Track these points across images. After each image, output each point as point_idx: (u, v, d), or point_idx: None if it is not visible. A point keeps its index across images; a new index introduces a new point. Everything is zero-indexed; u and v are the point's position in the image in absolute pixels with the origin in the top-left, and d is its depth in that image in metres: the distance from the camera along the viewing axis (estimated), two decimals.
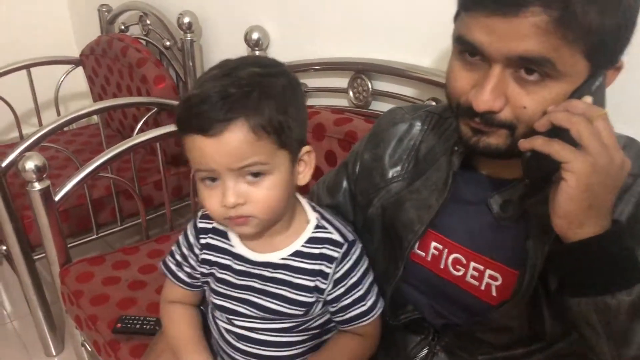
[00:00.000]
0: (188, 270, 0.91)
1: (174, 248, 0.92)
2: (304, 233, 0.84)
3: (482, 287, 0.81)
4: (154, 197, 1.97)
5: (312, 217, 0.85)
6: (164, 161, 1.77)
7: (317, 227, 0.84)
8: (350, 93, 1.49)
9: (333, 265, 0.82)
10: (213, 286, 0.87)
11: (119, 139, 2.13)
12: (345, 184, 1.03)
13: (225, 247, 0.86)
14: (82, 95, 2.61)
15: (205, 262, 0.87)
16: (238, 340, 0.88)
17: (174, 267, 0.92)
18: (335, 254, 0.82)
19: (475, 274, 0.82)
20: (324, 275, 0.82)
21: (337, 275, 0.82)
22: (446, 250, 0.85)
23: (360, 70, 1.42)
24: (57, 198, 1.45)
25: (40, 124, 2.38)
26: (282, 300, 0.83)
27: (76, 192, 1.57)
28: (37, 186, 1.40)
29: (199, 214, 0.90)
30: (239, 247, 0.85)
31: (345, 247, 0.83)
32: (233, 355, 0.89)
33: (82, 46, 2.33)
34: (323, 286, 0.82)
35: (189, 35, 1.88)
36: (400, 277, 0.89)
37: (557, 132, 0.64)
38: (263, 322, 0.85)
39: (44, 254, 1.54)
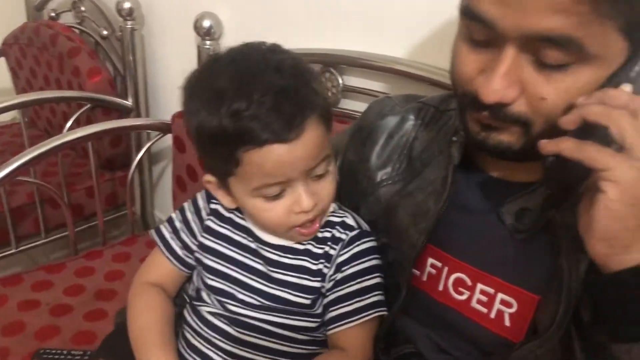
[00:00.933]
0: (185, 239, 0.84)
1: (174, 215, 0.86)
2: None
3: (492, 315, 0.71)
4: (85, 205, 1.84)
5: (332, 204, 0.81)
6: (97, 165, 1.65)
7: (334, 212, 0.81)
8: None
9: (338, 247, 0.77)
10: (209, 263, 0.81)
11: (46, 139, 1.97)
12: None
13: (238, 222, 0.81)
14: (4, 91, 2.46)
15: (208, 231, 0.82)
16: (231, 325, 0.79)
17: (168, 235, 0.85)
18: (343, 236, 0.78)
19: (484, 298, 0.72)
20: (327, 257, 0.77)
21: (341, 259, 0.77)
22: (446, 268, 0.75)
23: (329, 64, 1.32)
24: None
25: None
26: (289, 287, 0.77)
27: None
28: None
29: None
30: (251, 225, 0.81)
31: (356, 232, 0.79)
32: (217, 345, 0.80)
33: (5, 34, 2.18)
34: (326, 270, 0.77)
35: (129, 23, 1.74)
36: (402, 304, 0.78)
37: (590, 131, 0.54)
38: (264, 312, 0.78)
39: None
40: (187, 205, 0.85)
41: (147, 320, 0.82)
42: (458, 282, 0.74)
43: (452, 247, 0.75)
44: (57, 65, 1.89)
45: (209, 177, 0.75)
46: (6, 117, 2.19)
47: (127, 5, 1.71)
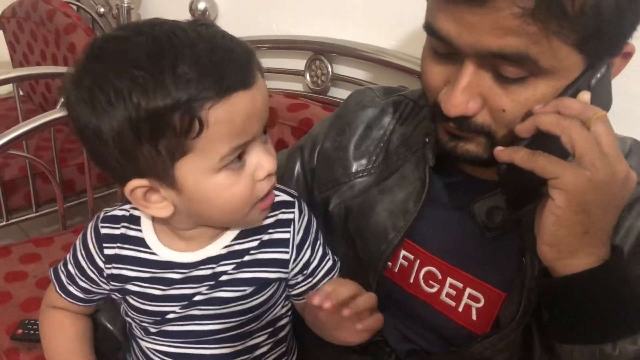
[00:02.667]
0: (84, 285, 0.73)
1: (68, 256, 0.75)
2: None
3: (460, 309, 0.72)
4: (77, 181, 1.82)
5: None
6: None
7: None
8: (307, 76, 1.40)
9: (291, 229, 0.72)
10: (135, 303, 0.71)
11: (41, 113, 1.96)
12: (298, 170, 0.90)
13: (146, 258, 0.69)
14: (2, 64, 2.42)
15: (115, 278, 0.70)
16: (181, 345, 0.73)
17: (64, 280, 0.74)
18: (291, 215, 0.72)
19: (452, 292, 0.73)
20: (284, 243, 0.71)
21: (298, 238, 0.72)
22: (418, 261, 0.75)
23: (320, 51, 1.33)
24: None
25: None
26: (235, 295, 0.70)
27: None
28: None
29: (101, 214, 0.73)
30: (164, 253, 0.69)
31: (296, 204, 0.73)
32: None
33: (3, 7, 2.16)
34: (285, 256, 0.71)
35: (125, 1, 1.75)
36: None
37: (545, 139, 0.55)
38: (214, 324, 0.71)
39: None
40: (79, 248, 0.73)
41: (58, 346, 0.77)
42: (429, 275, 0.74)
43: (425, 242, 0.75)
44: (53, 41, 1.88)
45: (136, 182, 0.59)
46: (2, 90, 2.18)
47: None
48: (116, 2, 1.76)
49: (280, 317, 0.77)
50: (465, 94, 0.59)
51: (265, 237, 0.70)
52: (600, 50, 0.57)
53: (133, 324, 0.75)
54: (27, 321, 1.13)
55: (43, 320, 0.79)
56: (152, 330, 0.72)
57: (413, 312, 0.76)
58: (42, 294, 1.21)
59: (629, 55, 0.61)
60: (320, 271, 0.74)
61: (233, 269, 0.69)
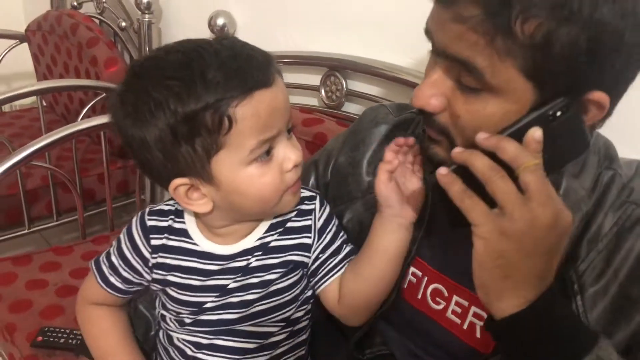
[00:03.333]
0: (126, 275, 0.77)
1: (111, 248, 0.79)
2: None
3: (465, 327, 0.73)
4: (97, 191, 1.85)
5: None
6: (110, 152, 1.66)
7: None
8: (322, 92, 1.40)
9: (312, 216, 0.77)
10: (174, 294, 0.75)
11: (63, 124, 1.98)
12: (313, 183, 0.92)
13: (188, 247, 0.75)
14: (27, 75, 2.47)
15: (159, 267, 0.75)
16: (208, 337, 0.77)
17: (106, 271, 0.78)
18: (312, 206, 0.78)
19: (458, 310, 0.74)
20: (307, 229, 0.77)
21: (319, 224, 0.78)
22: (426, 278, 0.77)
23: (335, 67, 1.34)
24: None
25: None
26: (266, 270, 0.75)
27: (6, 181, 1.46)
28: None
29: (147, 210, 0.78)
30: (205, 244, 0.75)
31: (318, 197, 0.79)
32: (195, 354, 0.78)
33: (29, 21, 2.18)
34: (308, 241, 0.77)
35: (147, 16, 1.76)
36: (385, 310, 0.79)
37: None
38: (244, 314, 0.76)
39: None
40: (123, 242, 0.77)
41: (106, 344, 0.81)
42: (436, 293, 0.75)
43: (433, 259, 0.76)
44: (76, 54, 1.90)
45: (178, 181, 0.66)
46: (26, 100, 2.22)
47: None
48: (137, 16, 1.77)
49: (299, 319, 0.79)
50: (430, 89, 0.63)
51: (289, 224, 0.76)
52: (556, 87, 0.57)
53: (168, 317, 0.78)
54: (46, 328, 1.16)
55: (85, 318, 0.83)
56: (188, 321, 0.76)
57: (420, 328, 0.77)
58: (62, 302, 1.27)
59: (601, 107, 0.59)
60: (341, 252, 0.78)
61: (262, 255, 0.74)
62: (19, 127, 2.13)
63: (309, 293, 0.80)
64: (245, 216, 0.73)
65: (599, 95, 0.58)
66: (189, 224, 0.75)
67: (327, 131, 1.23)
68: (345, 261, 0.78)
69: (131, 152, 0.67)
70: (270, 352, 0.77)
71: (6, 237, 1.69)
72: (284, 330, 0.78)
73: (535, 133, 0.56)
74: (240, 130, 0.62)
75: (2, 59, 2.21)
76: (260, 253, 0.74)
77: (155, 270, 0.75)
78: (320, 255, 0.77)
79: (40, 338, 1.14)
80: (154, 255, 0.75)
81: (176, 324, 0.77)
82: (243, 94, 0.61)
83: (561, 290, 0.65)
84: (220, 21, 1.54)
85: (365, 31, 1.29)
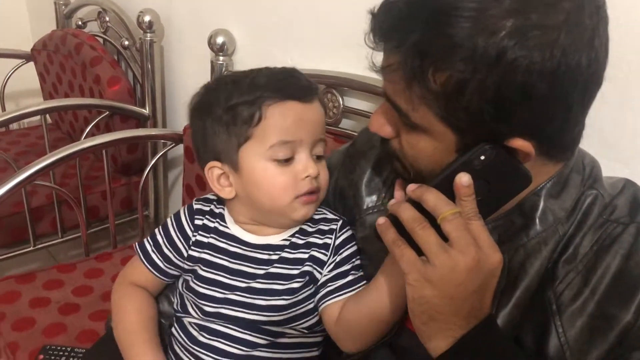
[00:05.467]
0: (168, 254, 0.86)
1: (157, 231, 0.88)
2: None
3: None
4: (101, 207, 1.87)
5: None
6: (113, 169, 1.69)
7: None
8: None
9: (333, 236, 0.83)
10: (201, 272, 0.83)
11: (68, 142, 2.02)
12: None
13: (221, 229, 0.85)
14: (33, 93, 2.49)
15: (197, 244, 0.85)
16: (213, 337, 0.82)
17: (149, 249, 0.87)
18: (333, 226, 0.84)
19: None
20: (325, 247, 0.82)
21: (338, 241, 0.83)
22: None
23: (332, 85, 1.34)
24: None
25: None
26: (278, 278, 0.80)
27: (12, 199, 1.45)
28: None
29: (194, 200, 0.90)
30: (234, 229, 0.84)
31: (340, 221, 0.85)
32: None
33: (35, 40, 2.21)
34: (324, 257, 0.82)
35: (149, 35, 1.77)
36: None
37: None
38: (250, 312, 0.80)
39: None
40: (170, 223, 0.87)
41: (134, 321, 0.85)
42: None
43: None
44: (80, 73, 1.92)
45: (213, 163, 0.79)
46: (34, 117, 2.25)
47: (147, 18, 1.73)
48: (140, 35, 1.79)
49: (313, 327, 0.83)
50: (381, 117, 0.69)
51: (311, 239, 0.83)
52: (473, 133, 0.59)
53: (189, 303, 0.84)
54: (48, 347, 1.16)
55: (121, 296, 0.89)
56: (209, 310, 0.81)
57: (413, 349, 0.74)
58: (64, 320, 1.28)
59: (526, 154, 0.60)
60: (348, 276, 0.81)
61: (281, 262, 0.81)
62: (25, 144, 2.16)
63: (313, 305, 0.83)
64: (261, 214, 0.81)
65: (519, 143, 0.59)
66: (227, 210, 0.86)
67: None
68: (350, 288, 0.80)
69: (192, 140, 0.83)
70: (280, 350, 0.81)
71: (12, 254, 1.70)
72: (296, 332, 0.82)
73: (462, 179, 0.59)
74: (267, 126, 0.74)
75: (9, 77, 2.24)
76: (282, 253, 0.81)
77: (193, 247, 0.84)
78: (327, 274, 0.81)
79: (41, 356, 1.14)
80: (194, 234, 0.85)
81: (196, 311, 0.82)
82: (278, 98, 0.74)
83: (540, 311, 0.66)
84: (219, 40, 1.54)
85: (361, 50, 1.28)
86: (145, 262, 0.87)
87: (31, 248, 1.73)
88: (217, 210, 0.86)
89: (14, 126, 2.33)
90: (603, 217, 0.66)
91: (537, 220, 0.67)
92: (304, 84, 0.77)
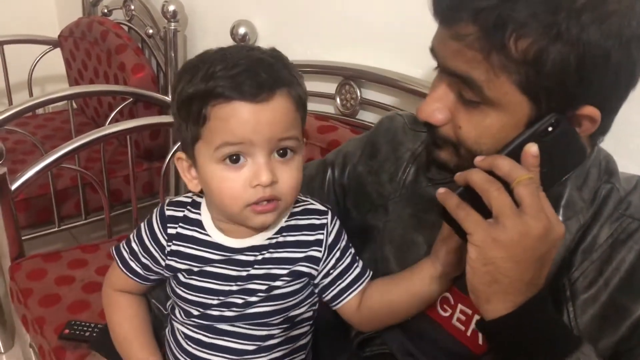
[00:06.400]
0: (145, 261, 0.81)
1: (131, 235, 0.83)
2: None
3: (469, 334, 0.76)
4: (123, 191, 1.90)
5: None
6: (136, 154, 1.72)
7: (296, 201, 0.80)
8: (338, 100, 1.43)
9: (324, 231, 0.79)
10: (185, 280, 0.78)
11: (92, 127, 2.08)
12: (329, 179, 0.96)
13: (201, 238, 0.78)
14: (60, 78, 2.54)
15: (174, 254, 0.78)
16: (205, 334, 0.80)
17: (126, 256, 0.82)
18: (324, 220, 0.79)
19: (463, 317, 0.77)
20: (318, 243, 0.78)
21: (330, 239, 0.79)
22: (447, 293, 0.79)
23: (350, 77, 1.36)
24: (13, 187, 1.36)
25: (11, 104, 2.29)
26: (271, 279, 0.76)
27: (38, 181, 1.50)
28: None
29: (167, 200, 0.82)
30: (216, 236, 0.77)
31: (329, 212, 0.81)
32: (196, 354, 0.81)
33: (62, 27, 2.25)
34: (318, 254, 0.78)
35: (172, 24, 1.81)
36: None
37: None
38: (245, 311, 0.78)
39: None
40: (143, 230, 0.81)
41: (127, 330, 0.85)
42: (444, 300, 0.78)
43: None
44: (105, 60, 1.96)
45: (180, 154, 0.74)
46: (59, 102, 2.30)
47: (171, 7, 1.77)
48: (164, 24, 1.82)
49: (300, 324, 0.81)
50: (433, 103, 0.67)
51: (302, 237, 0.78)
52: (549, 102, 0.61)
53: (177, 308, 0.81)
54: (73, 322, 1.19)
55: (108, 303, 0.87)
56: (195, 313, 0.78)
57: (425, 332, 0.80)
58: (88, 297, 1.31)
59: (593, 120, 0.63)
60: (349, 275, 0.80)
61: (273, 263, 0.76)
62: (51, 128, 2.20)
63: (313, 300, 0.82)
64: (223, 214, 0.75)
65: (590, 110, 0.61)
66: (204, 215, 0.78)
67: (341, 138, 1.26)
68: (361, 280, 0.80)
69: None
70: (268, 354, 0.79)
71: (37, 234, 1.75)
72: (283, 334, 0.80)
73: (531, 148, 0.60)
74: (212, 128, 0.67)
75: (37, 63, 2.28)
76: (268, 253, 0.76)
77: (169, 257, 0.78)
78: (332, 272, 0.79)
79: (67, 331, 1.17)
80: (169, 243, 0.78)
81: (183, 315, 0.80)
82: (222, 98, 0.65)
83: (554, 295, 0.68)
84: (241, 30, 1.57)
85: (379, 43, 1.31)
86: (125, 271, 0.83)
87: (56, 229, 1.78)
88: (192, 216, 0.79)
89: (39, 110, 2.38)
90: (619, 211, 0.69)
91: (562, 210, 0.69)
92: (261, 79, 0.65)
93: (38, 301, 1.30)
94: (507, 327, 0.61)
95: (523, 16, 0.56)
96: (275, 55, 0.70)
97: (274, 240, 0.77)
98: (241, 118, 0.66)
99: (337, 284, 0.80)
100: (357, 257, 0.82)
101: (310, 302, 0.81)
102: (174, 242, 0.78)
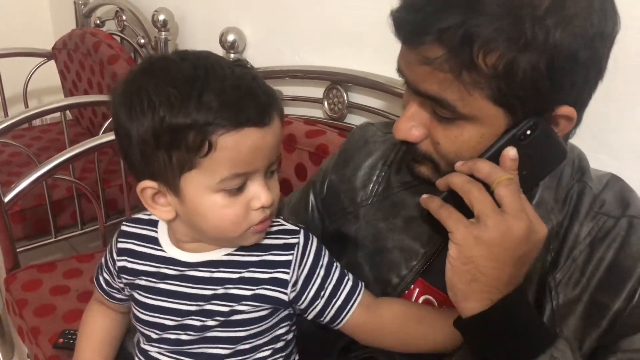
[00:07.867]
0: (106, 276, 0.81)
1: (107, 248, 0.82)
2: None
3: None
4: (119, 200, 1.91)
5: None
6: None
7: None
8: (325, 104, 1.44)
9: (294, 251, 0.72)
10: (141, 299, 0.75)
11: (88, 137, 2.06)
12: (312, 201, 0.96)
13: (154, 254, 0.74)
14: (55, 90, 2.55)
15: (125, 271, 0.76)
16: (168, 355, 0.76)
17: (98, 269, 0.83)
18: (295, 240, 0.73)
19: None
20: (286, 264, 0.72)
21: (308, 259, 0.73)
22: (417, 289, 0.80)
23: (337, 81, 1.38)
24: (6, 199, 1.37)
25: (7, 117, 2.27)
26: (232, 300, 0.71)
27: (33, 192, 1.50)
28: None
29: (130, 217, 0.80)
30: (171, 251, 0.74)
31: (302, 232, 0.74)
32: None
33: (56, 40, 2.28)
34: (286, 277, 0.71)
35: (163, 33, 1.83)
36: None
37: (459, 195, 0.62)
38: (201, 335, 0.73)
39: None
40: (109, 244, 0.79)
41: (84, 338, 0.86)
42: (426, 303, 0.79)
43: (426, 272, 0.79)
44: (98, 71, 1.97)
45: (147, 183, 0.65)
46: (55, 114, 2.30)
47: (161, 17, 1.79)
48: (155, 34, 1.84)
49: (279, 337, 0.77)
50: (409, 122, 0.67)
51: (268, 257, 0.72)
52: (525, 109, 0.61)
53: (138, 334, 0.79)
54: (67, 331, 1.21)
55: (86, 312, 0.88)
56: (154, 336, 0.75)
57: None
58: (83, 306, 1.25)
59: (569, 119, 0.64)
60: (342, 292, 0.74)
61: (232, 283, 0.71)
62: (47, 140, 2.21)
63: (288, 323, 0.77)
64: (205, 238, 0.71)
65: (565, 110, 0.63)
66: (161, 232, 0.75)
67: (329, 142, 1.27)
68: (356, 293, 0.74)
69: (116, 138, 0.66)
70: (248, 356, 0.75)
71: (34, 245, 1.76)
72: (266, 348, 0.76)
73: (510, 152, 0.61)
74: (217, 158, 0.61)
75: (31, 75, 2.30)
76: (229, 273, 0.71)
77: (121, 275, 0.76)
78: (322, 293, 0.73)
79: (61, 340, 1.19)
80: (119, 258, 0.76)
81: (144, 341, 0.77)
82: (231, 126, 0.60)
83: (539, 296, 0.69)
84: (230, 37, 1.58)
85: (365, 48, 1.32)
86: (95, 283, 0.83)
87: (52, 239, 1.79)
88: (147, 233, 0.76)
89: (36, 122, 2.39)
90: (594, 209, 0.70)
91: (535, 209, 0.68)
92: (261, 100, 0.62)
93: (33, 311, 1.31)
94: (482, 324, 0.61)
95: (488, 31, 0.56)
96: (249, 68, 0.67)
97: (234, 258, 0.72)
98: (253, 144, 0.62)
99: (333, 303, 0.74)
100: (345, 271, 0.76)
101: (286, 324, 0.77)
102: (124, 257, 0.76)
